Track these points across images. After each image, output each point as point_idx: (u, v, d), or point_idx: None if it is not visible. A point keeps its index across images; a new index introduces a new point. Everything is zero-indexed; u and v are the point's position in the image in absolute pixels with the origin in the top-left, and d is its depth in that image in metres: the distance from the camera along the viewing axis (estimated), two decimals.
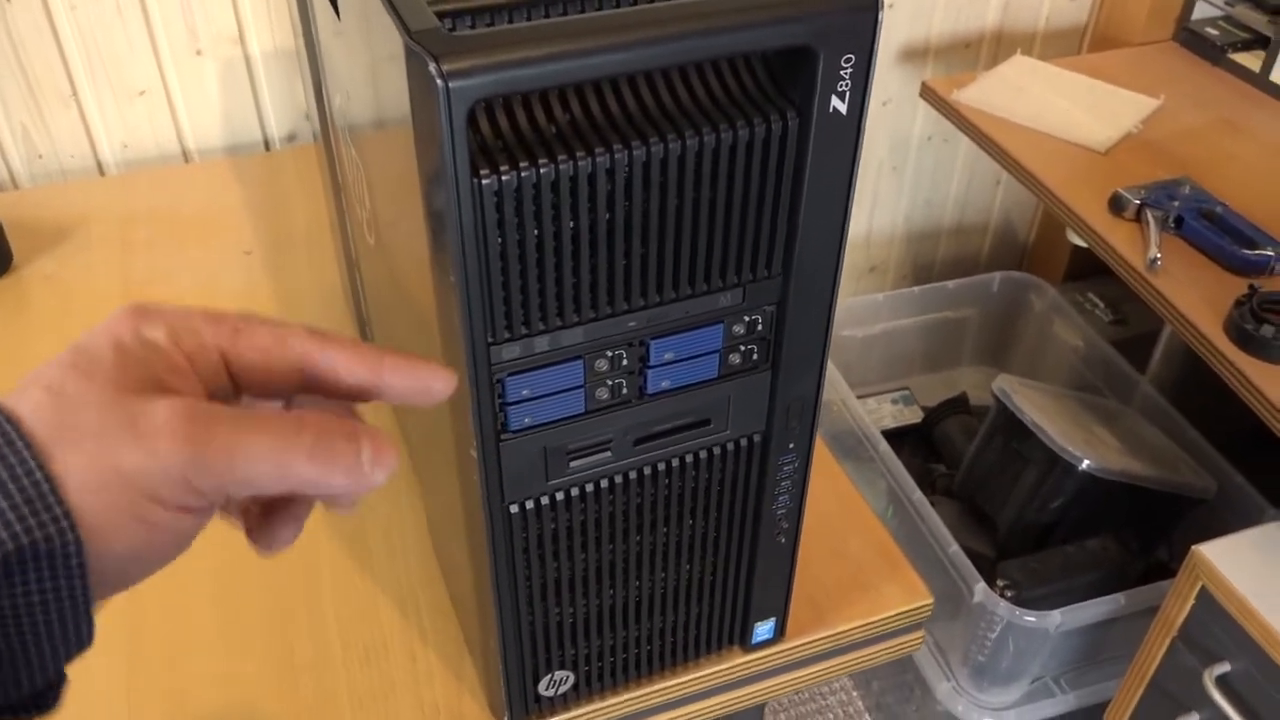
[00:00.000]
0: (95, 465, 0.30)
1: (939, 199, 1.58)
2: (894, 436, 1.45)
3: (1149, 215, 1.01)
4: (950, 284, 1.54)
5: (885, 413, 1.51)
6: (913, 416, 1.51)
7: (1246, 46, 1.26)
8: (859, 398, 1.44)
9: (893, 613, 0.67)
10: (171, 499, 0.31)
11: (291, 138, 1.15)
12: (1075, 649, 1.17)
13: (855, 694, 1.49)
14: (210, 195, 1.04)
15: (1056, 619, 1.09)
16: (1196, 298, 0.94)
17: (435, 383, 0.35)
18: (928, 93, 1.23)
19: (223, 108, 1.11)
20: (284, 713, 0.61)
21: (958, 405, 1.49)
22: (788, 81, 0.42)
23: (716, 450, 0.51)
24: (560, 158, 0.39)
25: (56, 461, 0.29)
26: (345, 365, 0.34)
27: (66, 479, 0.29)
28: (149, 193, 1.04)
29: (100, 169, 1.11)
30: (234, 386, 0.34)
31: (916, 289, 1.53)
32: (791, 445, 0.53)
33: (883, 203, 1.55)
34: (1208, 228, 0.99)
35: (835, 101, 0.42)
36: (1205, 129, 1.16)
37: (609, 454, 0.49)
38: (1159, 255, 0.97)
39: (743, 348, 0.48)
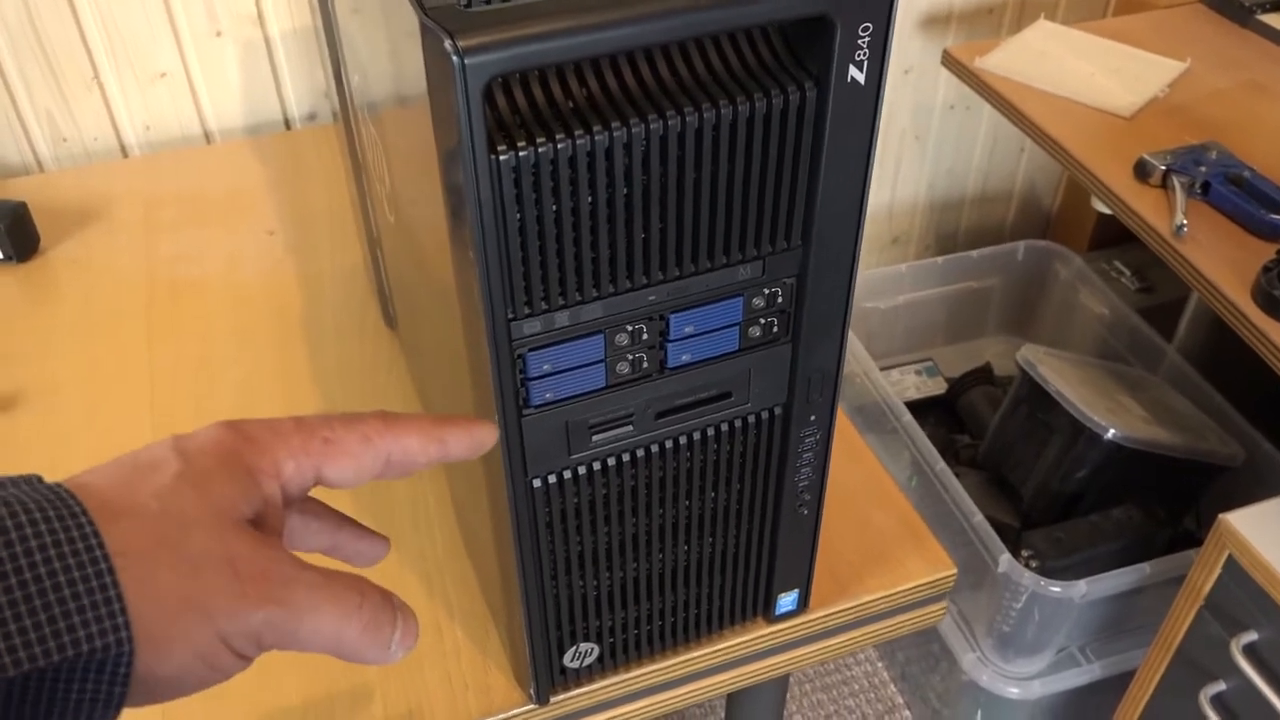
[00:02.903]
0: (182, 592, 0.30)
1: (962, 168, 1.57)
2: (918, 408, 1.45)
3: (1175, 181, 0.99)
4: (974, 253, 1.53)
5: (909, 384, 1.51)
6: (936, 387, 1.51)
7: (1275, 6, 1.24)
8: (882, 369, 1.43)
9: (915, 584, 0.67)
10: (237, 646, 0.32)
11: (312, 116, 1.16)
12: (1101, 618, 1.17)
13: (880, 664, 1.49)
14: (232, 176, 1.05)
15: (1082, 589, 1.08)
16: (1223, 264, 0.93)
17: (487, 438, 0.39)
18: (950, 60, 1.21)
19: (243, 88, 1.12)
20: (312, 683, 0.62)
21: (982, 376, 1.48)
22: (805, 52, 0.42)
23: (738, 423, 0.52)
24: (577, 133, 0.39)
25: (146, 574, 0.30)
26: (419, 448, 0.37)
27: (147, 595, 0.30)
28: (172, 174, 1.05)
29: (124, 151, 1.11)
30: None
31: (940, 259, 1.52)
32: (813, 417, 0.53)
33: (905, 172, 1.54)
34: (1235, 193, 0.98)
35: (853, 71, 0.41)
36: (1233, 92, 1.14)
37: (630, 428, 0.49)
38: (1185, 221, 0.96)
39: (763, 320, 0.48)
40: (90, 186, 1.03)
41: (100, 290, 0.91)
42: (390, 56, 0.47)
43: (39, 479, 0.31)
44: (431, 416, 0.39)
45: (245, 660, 0.32)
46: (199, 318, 0.87)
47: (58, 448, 0.76)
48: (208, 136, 1.13)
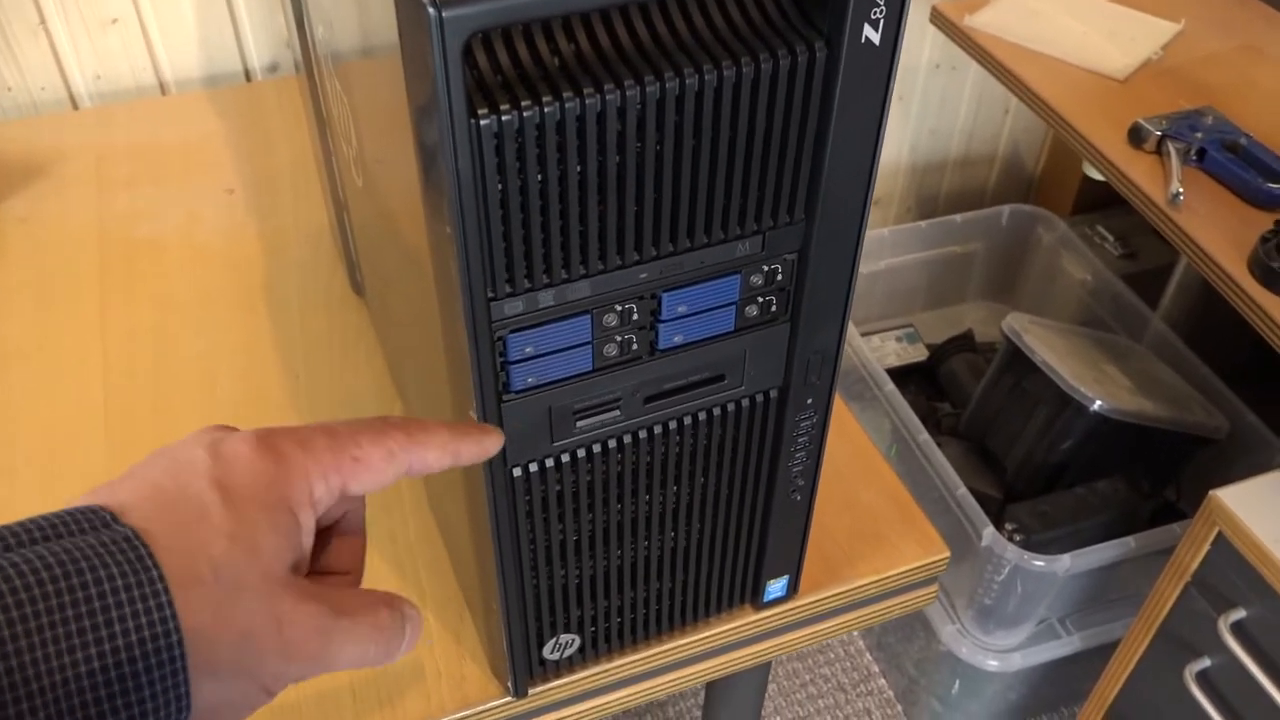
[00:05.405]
0: (234, 662, 0.31)
1: (945, 129, 1.53)
2: (897, 374, 1.43)
3: (1170, 147, 0.97)
4: (958, 217, 1.50)
5: (889, 350, 1.48)
6: (917, 354, 1.48)
7: None
8: (862, 335, 1.41)
9: (907, 567, 0.65)
10: (273, 690, 0.33)
11: (274, 68, 1.10)
12: (1083, 590, 1.16)
13: (856, 633, 1.48)
14: (189, 129, 1.00)
15: (1066, 563, 1.07)
16: (1219, 234, 0.91)
17: (493, 446, 0.40)
18: (938, 18, 1.18)
19: (200, 36, 1.06)
20: None
21: (963, 343, 1.46)
22: (815, 9, 0.38)
23: (731, 407, 0.48)
24: (566, 95, 0.35)
25: (206, 650, 0.30)
26: (435, 460, 0.38)
27: (205, 670, 0.30)
28: (125, 127, 1.00)
29: (73, 102, 1.06)
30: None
31: (923, 223, 1.49)
32: (810, 401, 0.50)
33: (887, 133, 1.50)
34: (1231, 160, 0.95)
35: (868, 30, 0.38)
36: (1228, 55, 1.11)
37: (617, 413, 0.46)
38: (1181, 190, 0.93)
39: (761, 299, 0.45)
40: (38, 139, 0.97)
41: (50, 250, 0.86)
42: (359, 6, 0.43)
43: (112, 517, 0.31)
44: (449, 427, 0.39)
45: (273, 695, 0.34)
46: (155, 280, 0.83)
47: (7, 419, 0.72)
48: (163, 87, 1.08)
